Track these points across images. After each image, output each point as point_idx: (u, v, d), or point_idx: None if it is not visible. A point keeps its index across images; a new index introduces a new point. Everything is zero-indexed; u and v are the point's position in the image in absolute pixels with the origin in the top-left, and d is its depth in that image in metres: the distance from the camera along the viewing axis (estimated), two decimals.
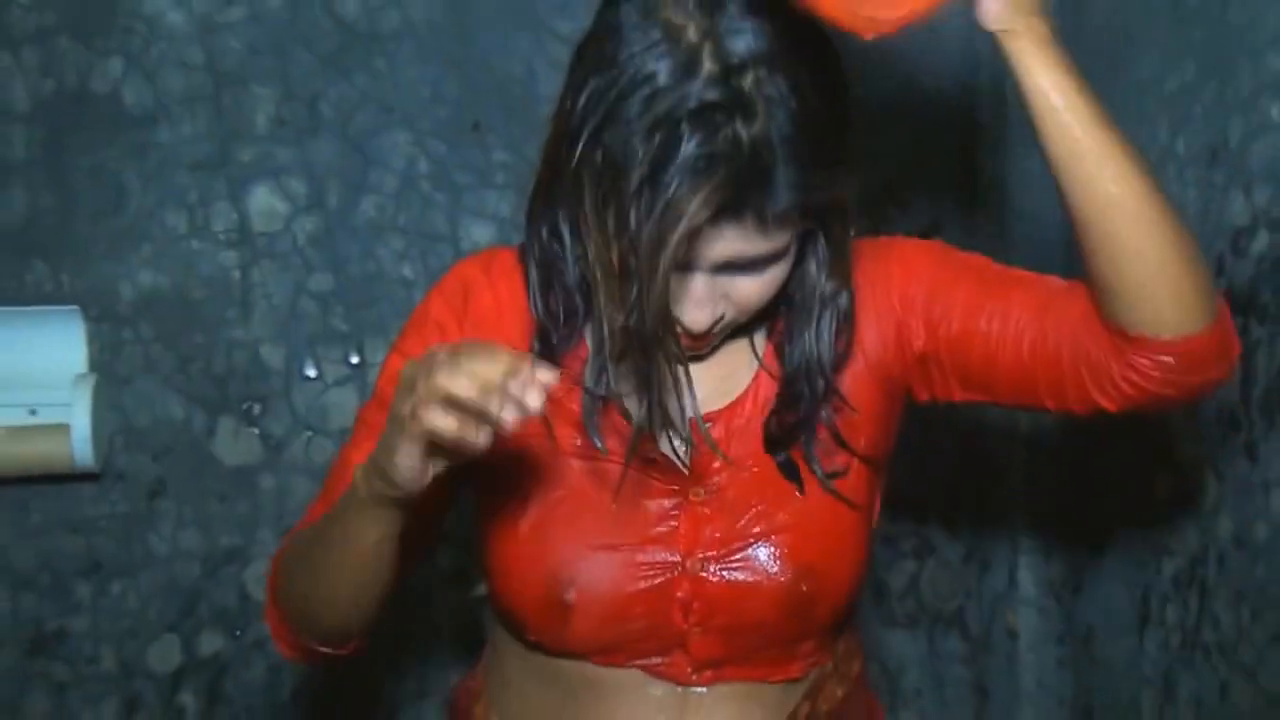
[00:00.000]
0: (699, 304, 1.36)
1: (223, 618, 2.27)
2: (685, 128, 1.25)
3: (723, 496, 1.49)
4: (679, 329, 1.37)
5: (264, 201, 2.27)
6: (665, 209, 1.25)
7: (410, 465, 1.24)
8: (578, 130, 1.31)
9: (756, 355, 1.53)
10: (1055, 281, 1.49)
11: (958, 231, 2.49)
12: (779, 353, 1.52)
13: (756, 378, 1.53)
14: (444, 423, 1.18)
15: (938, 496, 2.51)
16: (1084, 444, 2.32)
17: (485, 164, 2.30)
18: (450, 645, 2.36)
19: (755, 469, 1.50)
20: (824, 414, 1.50)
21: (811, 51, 1.31)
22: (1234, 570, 1.92)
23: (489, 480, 1.48)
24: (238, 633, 2.27)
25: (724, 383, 1.52)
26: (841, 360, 1.50)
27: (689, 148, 1.24)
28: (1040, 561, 2.49)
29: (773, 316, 1.52)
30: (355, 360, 2.30)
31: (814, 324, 1.48)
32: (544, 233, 1.46)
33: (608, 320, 1.36)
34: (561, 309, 1.49)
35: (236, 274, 2.26)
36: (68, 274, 2.20)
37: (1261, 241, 1.83)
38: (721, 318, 1.39)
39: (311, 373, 2.29)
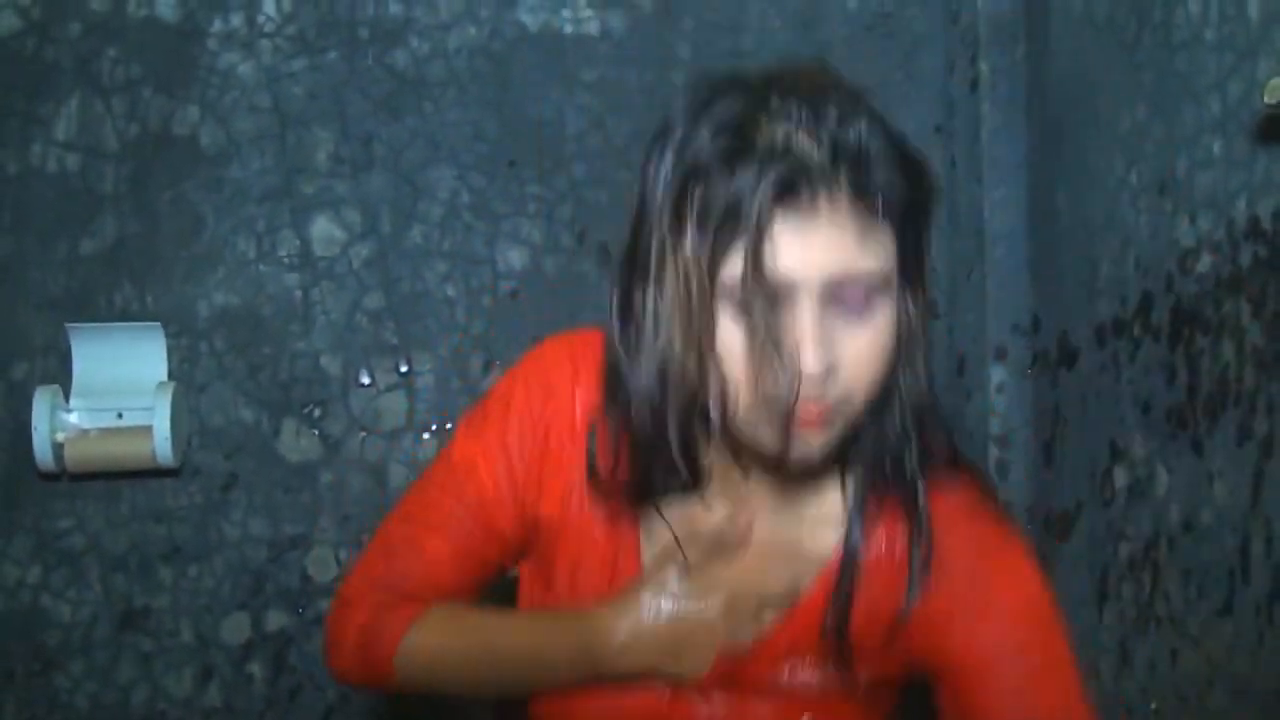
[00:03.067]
0: (811, 342, 1.11)
1: (287, 597, 2.28)
2: (760, 156, 1.08)
3: (733, 706, 1.37)
4: (795, 386, 1.11)
5: (324, 229, 2.29)
6: (734, 207, 1.09)
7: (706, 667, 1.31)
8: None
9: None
10: None
11: (942, 251, 2.49)
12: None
13: (811, 601, 1.32)
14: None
15: None
16: (1049, 442, 2.31)
17: (520, 196, 2.31)
18: None
19: (813, 684, 1.36)
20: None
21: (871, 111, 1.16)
22: (1183, 552, 1.92)
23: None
24: (300, 610, 2.28)
25: (791, 563, 1.34)
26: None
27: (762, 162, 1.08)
28: None
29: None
30: (404, 369, 2.31)
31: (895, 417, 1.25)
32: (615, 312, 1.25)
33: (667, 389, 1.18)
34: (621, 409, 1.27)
35: (299, 293, 2.29)
36: (151, 294, 2.23)
37: (1205, 262, 1.84)
38: (838, 375, 1.15)
39: (365, 380, 2.30)
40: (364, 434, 2.30)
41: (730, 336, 1.13)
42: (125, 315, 2.22)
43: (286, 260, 2.29)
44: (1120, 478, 2.05)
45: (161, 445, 2.15)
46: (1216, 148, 1.81)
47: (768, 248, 1.08)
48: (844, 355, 1.13)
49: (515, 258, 2.32)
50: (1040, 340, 2.33)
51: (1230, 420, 1.79)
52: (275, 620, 2.29)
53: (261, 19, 2.26)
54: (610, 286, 1.24)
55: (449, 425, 2.28)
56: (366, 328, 2.31)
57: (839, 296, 1.12)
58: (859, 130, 1.12)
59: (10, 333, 2.20)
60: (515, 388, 1.38)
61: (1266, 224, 1.69)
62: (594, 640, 1.30)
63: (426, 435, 2.30)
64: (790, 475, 1.27)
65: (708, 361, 1.14)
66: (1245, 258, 1.74)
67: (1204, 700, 1.87)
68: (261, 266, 2.28)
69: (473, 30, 2.33)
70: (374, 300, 2.31)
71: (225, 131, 2.26)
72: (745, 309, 1.10)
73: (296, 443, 2.30)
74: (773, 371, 1.10)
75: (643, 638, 1.30)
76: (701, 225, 1.10)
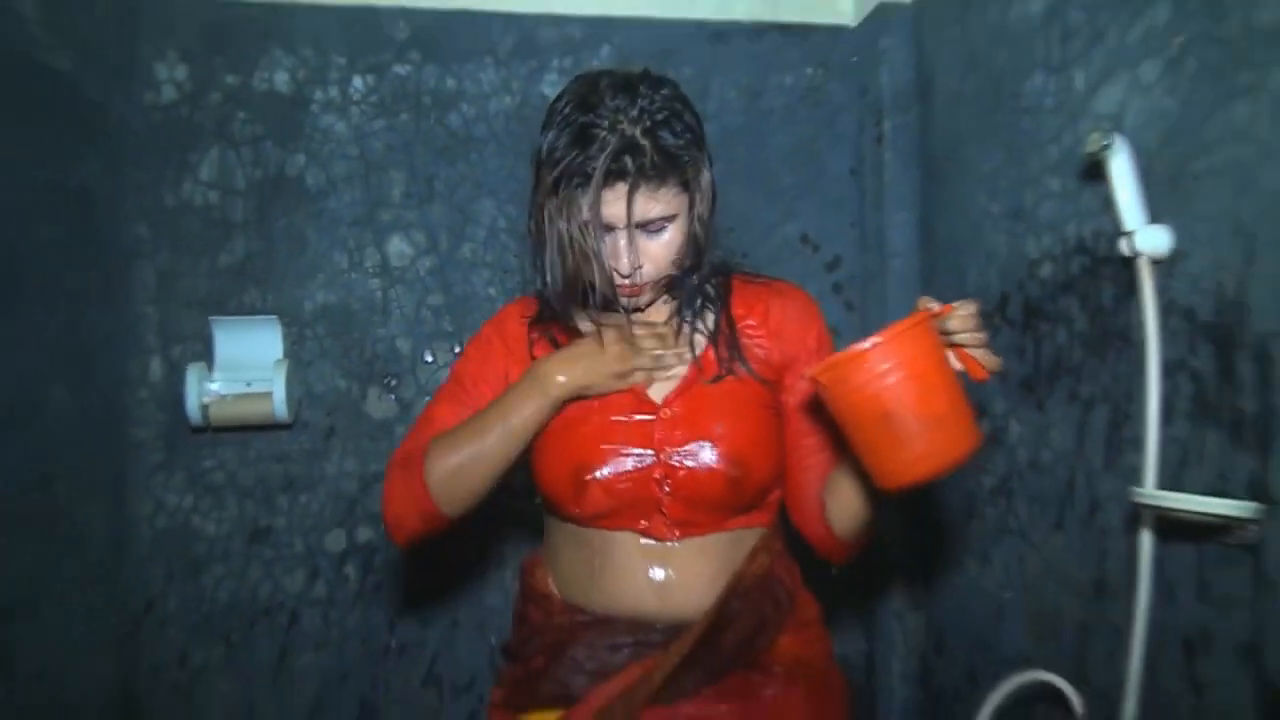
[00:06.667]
0: (624, 256, 1.45)
1: (372, 517, 2.30)
2: (589, 134, 1.39)
3: (683, 414, 1.55)
4: (611, 276, 1.46)
5: (397, 247, 2.31)
6: (573, 180, 1.40)
7: (610, 384, 1.54)
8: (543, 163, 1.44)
9: (702, 331, 1.61)
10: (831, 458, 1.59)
11: (854, 265, 2.50)
12: (711, 334, 1.61)
13: (706, 347, 1.60)
14: (642, 363, 1.54)
15: None
16: None
17: None
18: (518, 534, 2.36)
19: (702, 398, 1.56)
20: (740, 356, 1.59)
21: (668, 102, 1.44)
22: (1028, 482, 1.93)
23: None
24: (381, 528, 2.28)
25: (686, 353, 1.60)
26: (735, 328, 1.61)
27: (594, 149, 1.39)
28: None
29: (695, 308, 1.61)
30: (457, 351, 2.31)
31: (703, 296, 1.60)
32: (530, 238, 1.53)
33: (559, 275, 1.48)
34: (544, 298, 1.57)
35: (379, 294, 2.31)
36: (270, 295, 2.26)
37: (1046, 270, 1.85)
38: (641, 268, 1.47)
39: (429, 359, 2.32)
40: (427, 398, 2.31)
41: (581, 249, 1.44)
42: (252, 310, 2.25)
43: (370, 269, 2.31)
44: (984, 428, 2.03)
45: (279, 406, 2.19)
46: (1055, 185, 1.82)
47: (601, 204, 1.40)
48: (647, 257, 1.47)
49: None
50: None
51: (1063, 386, 1.81)
52: (364, 535, 2.31)
53: (352, 90, 2.29)
54: (528, 232, 1.52)
55: None
56: (429, 319, 2.32)
57: (644, 227, 1.45)
58: (660, 121, 1.42)
59: (169, 324, 2.22)
60: (484, 329, 1.67)
61: (1089, 242, 1.71)
62: (537, 372, 1.52)
63: None
64: (637, 313, 1.59)
65: (581, 265, 1.46)
66: (1075, 266, 1.76)
67: (1042, 590, 1.89)
68: (352, 274, 2.30)
69: (508, 99, 2.34)
70: (435, 299, 2.33)
71: (325, 174, 2.28)
72: (588, 235, 1.42)
73: (378, 404, 2.32)
74: (607, 271, 1.45)
75: (568, 360, 1.54)
76: (565, 188, 1.41)
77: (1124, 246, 1.53)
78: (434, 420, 1.58)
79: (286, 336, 2.25)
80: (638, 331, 1.57)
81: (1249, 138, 1.35)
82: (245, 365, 2.20)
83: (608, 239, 1.45)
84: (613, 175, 1.39)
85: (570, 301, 1.53)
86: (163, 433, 2.23)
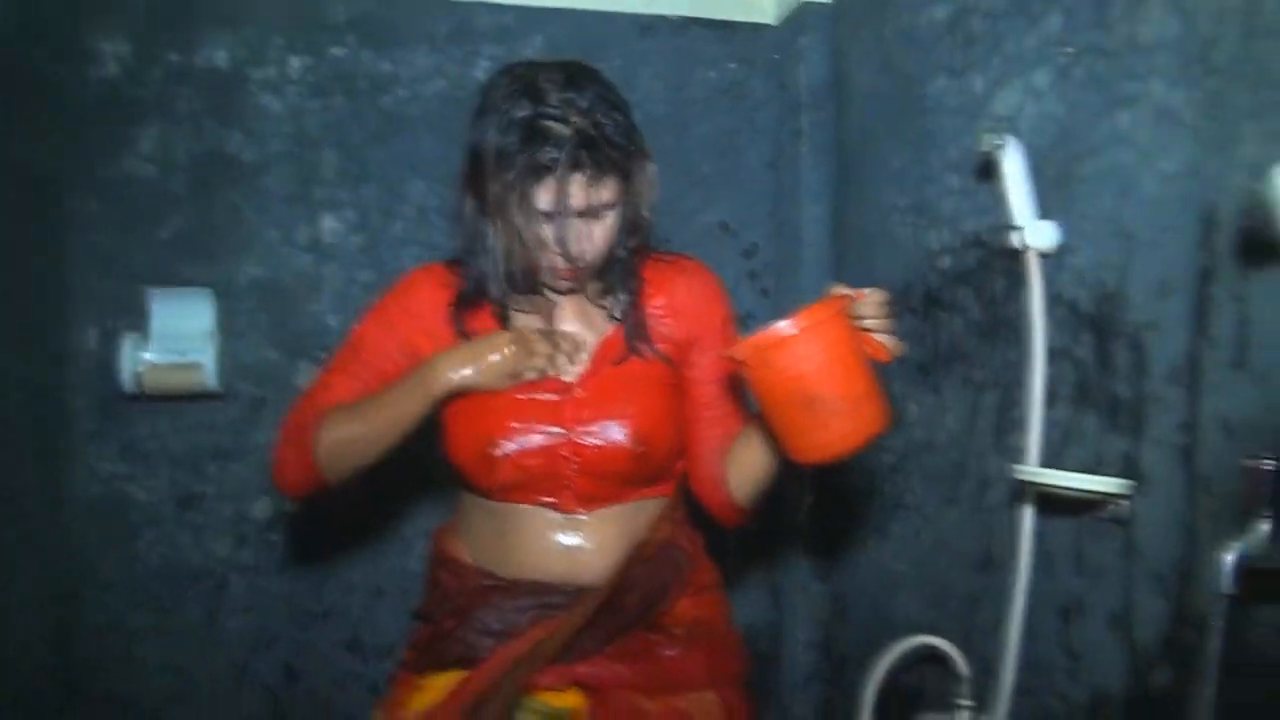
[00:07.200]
0: (570, 243, 1.48)
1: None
2: (540, 127, 1.42)
3: (592, 394, 1.59)
4: (556, 262, 1.50)
5: (330, 224, 2.32)
6: (530, 175, 1.43)
7: (502, 383, 1.55)
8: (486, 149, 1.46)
9: (613, 315, 1.65)
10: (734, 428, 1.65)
11: (771, 252, 2.55)
12: (623, 313, 1.64)
13: (616, 330, 1.63)
14: (535, 364, 1.55)
15: None
16: None
17: None
18: (440, 505, 2.31)
19: (611, 379, 1.60)
20: (646, 340, 1.63)
21: (608, 94, 1.48)
22: (924, 462, 1.99)
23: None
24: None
25: (594, 333, 1.64)
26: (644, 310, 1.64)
27: (549, 142, 1.42)
28: None
29: (616, 292, 1.64)
30: None
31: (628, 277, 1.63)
32: (466, 223, 1.57)
33: (505, 262, 1.52)
34: (475, 276, 1.58)
35: (312, 269, 2.32)
36: (206, 268, 2.25)
37: (945, 262, 1.91)
38: (583, 254, 1.50)
39: None
40: None
41: (534, 236, 1.48)
42: (187, 283, 2.24)
43: (303, 245, 2.31)
44: None
45: (210, 376, 2.20)
46: (954, 181, 1.88)
47: (549, 193, 1.43)
48: (587, 241, 1.49)
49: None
50: None
51: (957, 371, 1.87)
52: (290, 503, 2.31)
53: (289, 70, 2.29)
54: (461, 215, 1.57)
55: None
56: (359, 295, 2.32)
57: (586, 214, 1.47)
58: (600, 117, 1.45)
59: (106, 295, 2.21)
60: (386, 301, 1.66)
61: (984, 236, 1.77)
62: (431, 369, 1.54)
63: None
64: (571, 293, 1.61)
65: (526, 248, 1.49)
66: (971, 259, 1.82)
67: (934, 563, 1.95)
68: (285, 249, 2.30)
69: (441, 83, 2.36)
70: (366, 276, 2.34)
71: (261, 151, 2.28)
72: (539, 223, 1.46)
73: (307, 376, 2.30)
74: (549, 255, 1.49)
75: (462, 360, 1.54)
76: (519, 180, 1.43)
77: (1014, 241, 1.60)
78: (329, 388, 1.60)
79: (220, 309, 2.25)
80: (532, 336, 1.59)
81: (1131, 144, 1.43)
82: (179, 336, 2.19)
83: (551, 225, 1.48)
84: (569, 166, 1.43)
85: (513, 288, 1.57)
86: (98, 401, 2.23)
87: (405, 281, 1.68)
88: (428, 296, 1.64)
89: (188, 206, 2.26)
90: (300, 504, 1.48)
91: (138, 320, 2.20)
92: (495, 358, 1.55)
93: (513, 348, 1.56)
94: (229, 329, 2.28)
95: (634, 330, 1.64)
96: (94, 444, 2.25)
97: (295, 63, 2.31)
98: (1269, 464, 1.09)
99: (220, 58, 2.27)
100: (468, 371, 1.54)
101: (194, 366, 2.20)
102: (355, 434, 1.55)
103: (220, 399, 2.28)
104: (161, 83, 2.24)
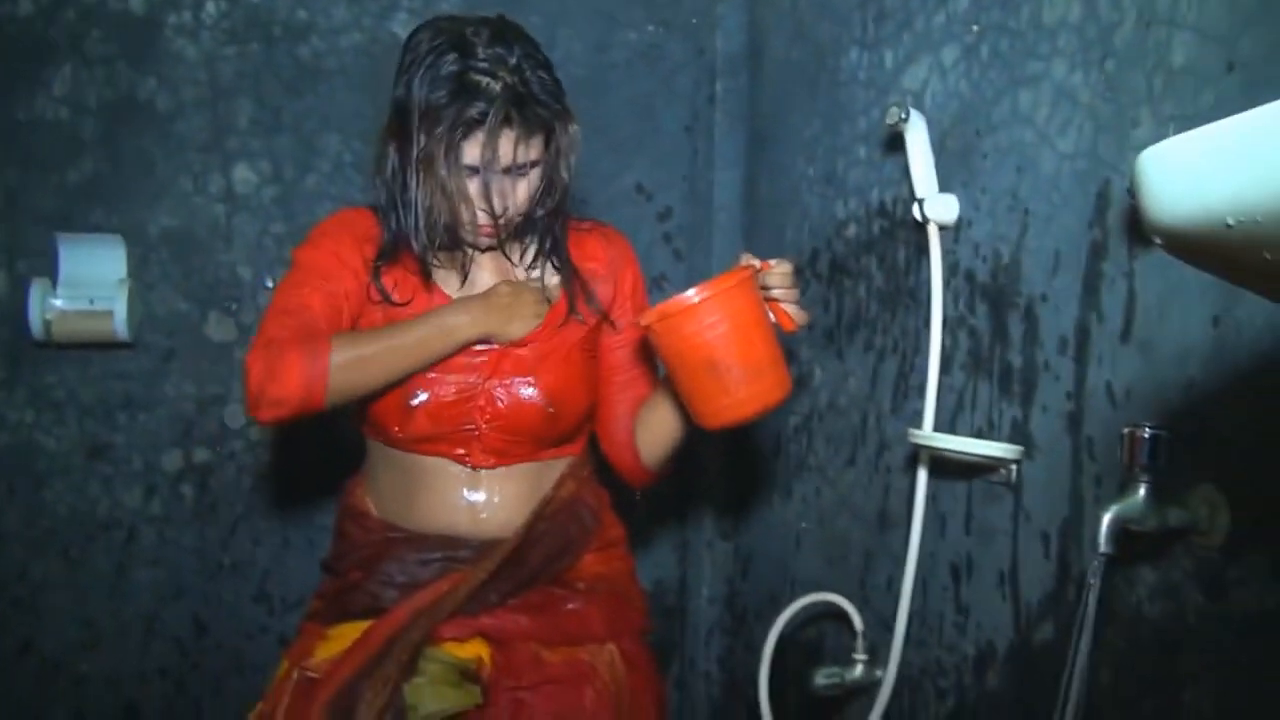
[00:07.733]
0: (495, 199, 1.49)
1: (208, 438, 2.29)
2: (470, 82, 1.43)
3: (516, 353, 1.59)
4: (478, 217, 1.51)
5: (243, 174, 2.29)
6: (459, 129, 1.43)
7: (513, 337, 1.56)
8: (412, 101, 1.47)
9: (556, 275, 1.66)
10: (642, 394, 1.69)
11: (685, 216, 2.56)
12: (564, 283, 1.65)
13: (560, 300, 1.64)
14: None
15: None
16: None
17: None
18: (349, 458, 2.36)
19: (537, 343, 1.60)
20: (593, 300, 1.66)
21: (534, 52, 1.50)
22: (827, 423, 2.03)
23: None
24: (217, 448, 2.29)
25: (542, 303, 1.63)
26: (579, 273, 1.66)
27: (480, 97, 1.43)
28: None
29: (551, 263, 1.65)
30: None
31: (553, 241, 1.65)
32: (389, 177, 1.55)
33: (427, 216, 1.51)
34: (395, 230, 1.57)
35: (224, 220, 2.28)
36: (116, 215, 2.21)
37: (851, 230, 1.93)
38: (506, 210, 1.51)
39: (269, 284, 2.30)
40: None
41: (459, 191, 1.48)
42: (97, 229, 2.20)
43: (215, 195, 2.28)
44: (791, 374, 2.08)
45: (120, 325, 2.16)
46: (862, 153, 1.91)
47: (477, 148, 1.44)
48: (510, 198, 1.51)
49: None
50: None
51: (860, 337, 1.90)
52: (200, 455, 2.30)
53: (204, 15, 2.24)
54: (384, 169, 1.56)
55: None
56: (271, 247, 2.31)
57: (511, 170, 1.48)
58: (528, 74, 1.46)
59: (15, 239, 2.17)
60: (325, 224, 1.65)
61: (890, 207, 1.80)
62: (446, 315, 1.53)
63: None
64: (489, 250, 1.62)
65: (450, 202, 1.49)
66: (876, 229, 1.85)
67: (835, 522, 1.99)
68: (197, 199, 2.27)
69: (358, 35, 2.33)
70: (278, 228, 2.31)
71: (174, 98, 2.24)
72: (464, 178, 1.47)
73: (218, 328, 2.30)
74: (473, 210, 1.50)
75: (473, 310, 1.55)
76: (447, 134, 1.43)
77: (916, 212, 1.63)
78: (308, 308, 1.53)
79: (130, 257, 2.21)
80: (525, 290, 1.60)
81: (1030, 123, 1.46)
82: (89, 283, 2.16)
83: (476, 180, 1.48)
84: (499, 122, 1.43)
85: (433, 243, 1.56)
86: (4, 348, 2.19)
87: (345, 212, 1.68)
88: (366, 230, 1.62)
89: (99, 151, 2.21)
90: (269, 426, 1.46)
91: (46, 266, 2.16)
92: (509, 310, 1.58)
93: (520, 299, 1.59)
94: (139, 277, 2.24)
95: (580, 291, 1.66)
96: (2, 391, 2.20)
97: (210, 8, 2.26)
98: (1148, 431, 1.13)
99: (134, 1, 2.22)
100: (491, 321, 1.56)
101: (103, 314, 2.16)
102: (374, 362, 1.51)
103: (130, 348, 2.25)
104: (75, 24, 2.19)
